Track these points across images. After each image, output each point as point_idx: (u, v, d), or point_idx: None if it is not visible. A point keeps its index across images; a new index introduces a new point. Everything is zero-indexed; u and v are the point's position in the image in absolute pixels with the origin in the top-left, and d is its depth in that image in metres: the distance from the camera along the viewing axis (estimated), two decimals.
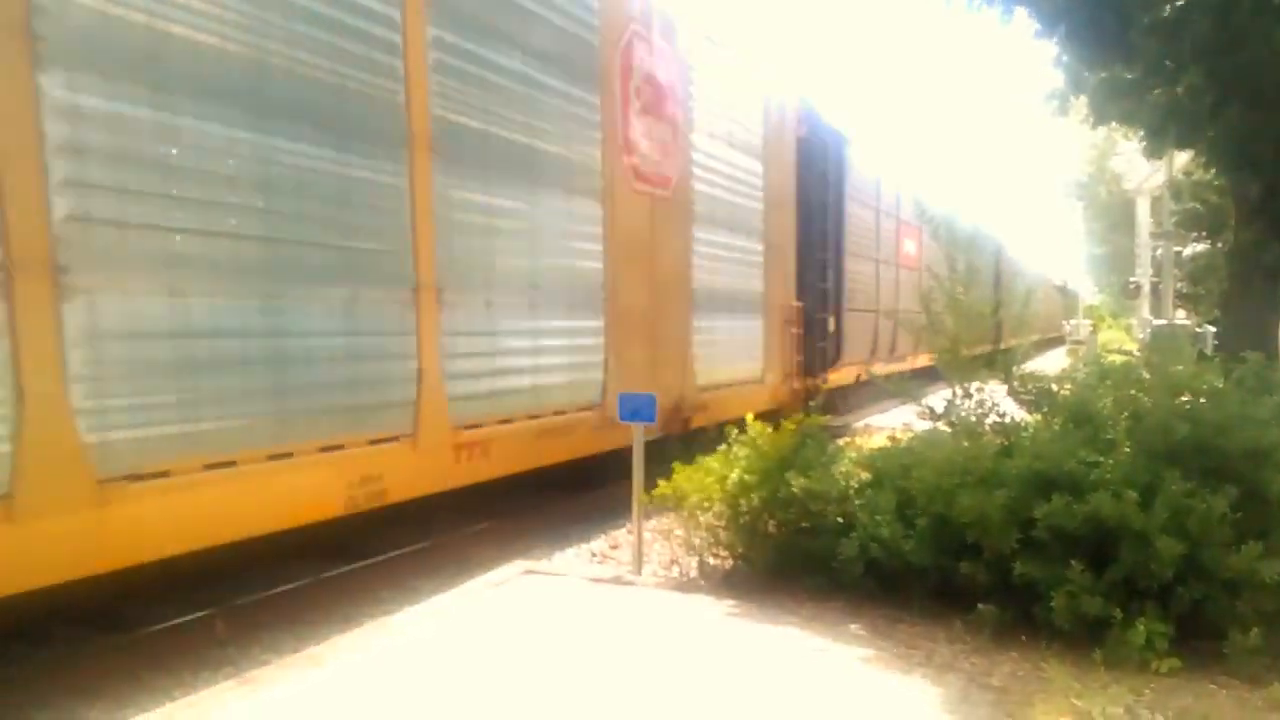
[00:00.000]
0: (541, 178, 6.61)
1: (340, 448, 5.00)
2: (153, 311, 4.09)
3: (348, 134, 5.04)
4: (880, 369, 14.10)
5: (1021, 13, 8.76)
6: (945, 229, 6.32)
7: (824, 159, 12.23)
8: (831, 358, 12.53)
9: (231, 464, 4.41)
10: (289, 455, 4.71)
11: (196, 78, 4.26)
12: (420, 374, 5.49)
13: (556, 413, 6.79)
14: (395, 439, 5.36)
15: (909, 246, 17.70)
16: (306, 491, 4.84)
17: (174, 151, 4.17)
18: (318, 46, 4.85)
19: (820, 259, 12.21)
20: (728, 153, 9.47)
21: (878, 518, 4.63)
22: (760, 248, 10.40)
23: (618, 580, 5.31)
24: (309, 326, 4.84)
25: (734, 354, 9.70)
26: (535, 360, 6.59)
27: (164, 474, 4.14)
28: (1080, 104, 10.69)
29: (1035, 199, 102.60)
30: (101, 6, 3.89)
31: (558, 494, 7.85)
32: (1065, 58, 9.35)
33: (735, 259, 9.76)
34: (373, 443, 5.20)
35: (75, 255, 3.77)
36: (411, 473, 5.46)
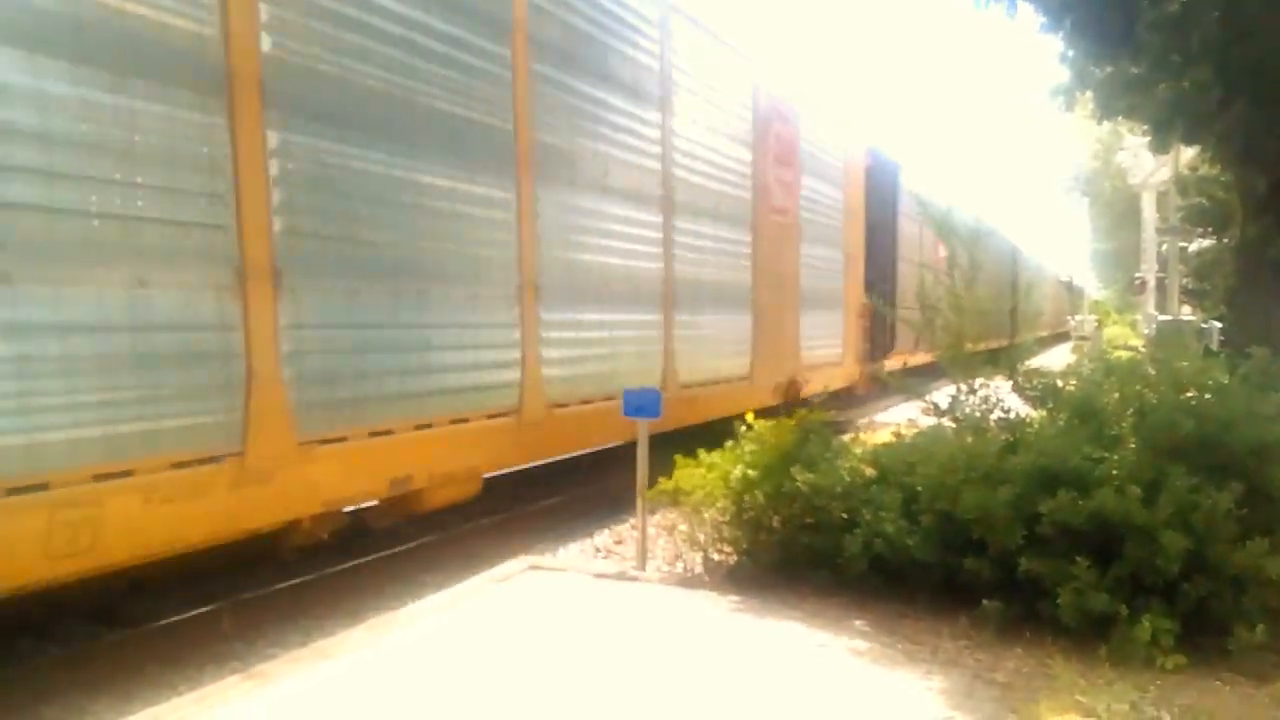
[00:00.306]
0: (724, 215, 9.50)
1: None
2: (567, 314, 6.99)
3: (642, 204, 8.05)
4: (922, 357, 15.64)
5: (1027, 7, 8.73)
6: (944, 226, 6.34)
7: (883, 184, 15.05)
8: (888, 346, 14.98)
9: (611, 399, 7.17)
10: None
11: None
12: (668, 354, 8.47)
13: (725, 380, 9.57)
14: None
15: (944, 251, 18.50)
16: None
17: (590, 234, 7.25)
18: (633, 156, 7.81)
19: (881, 265, 14.81)
20: (821, 186, 12.34)
21: (882, 514, 4.63)
22: (841, 257, 13.20)
23: (622, 575, 5.32)
24: (639, 320, 7.98)
25: (825, 341, 12.51)
26: (718, 347, 9.46)
27: (563, 405, 7.01)
28: (1086, 99, 10.67)
29: (1040, 194, 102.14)
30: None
31: (561, 489, 7.88)
32: (1071, 52, 9.32)
33: (826, 267, 12.55)
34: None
35: (544, 282, 6.69)
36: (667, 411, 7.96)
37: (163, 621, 4.70)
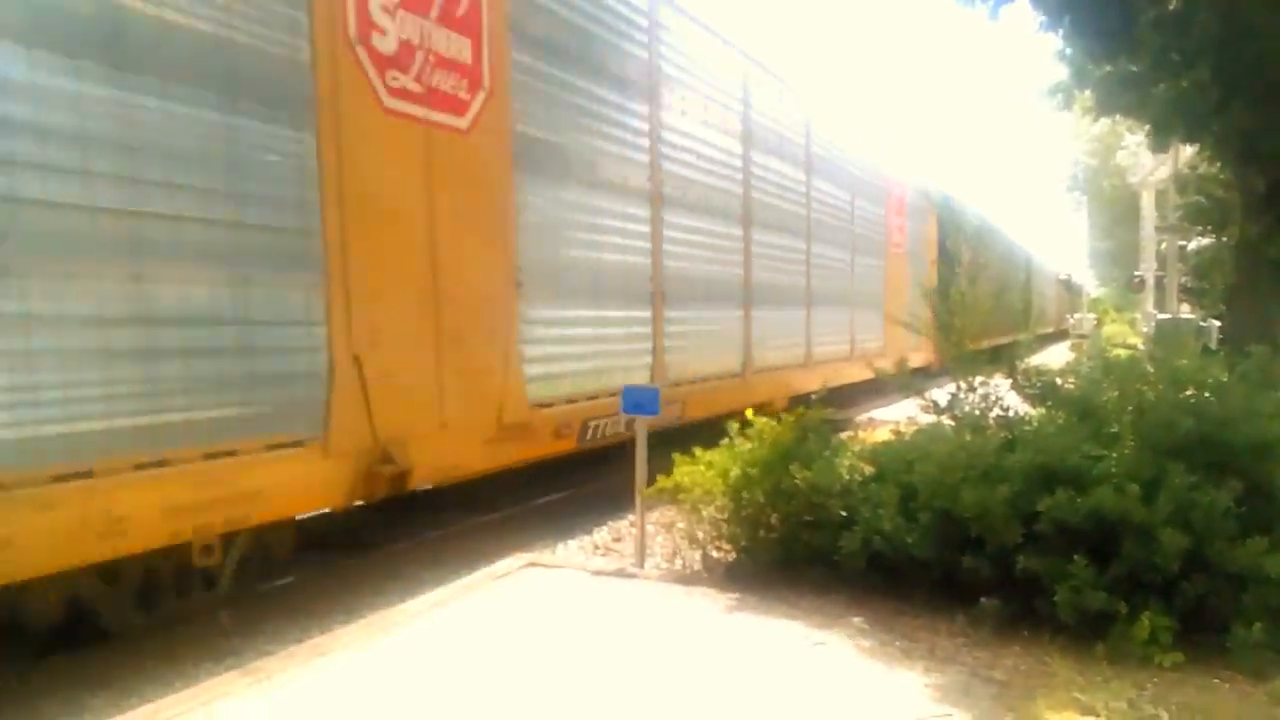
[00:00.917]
0: (872, 251, 15.05)
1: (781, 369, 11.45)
2: (690, 315, 9.14)
3: (840, 247, 13.63)
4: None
5: (1024, 6, 8.73)
6: (953, 228, 6.37)
7: (946, 214, 19.62)
8: None
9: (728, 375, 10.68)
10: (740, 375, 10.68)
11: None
12: (808, 341, 12.24)
13: (873, 354, 13.62)
14: (797, 366, 11.89)
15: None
16: (766, 391, 10.57)
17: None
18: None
19: (945, 277, 18.53)
20: (915, 224, 17.76)
21: (880, 511, 4.62)
22: (923, 274, 18.17)
23: (620, 573, 5.32)
24: (780, 319, 11.29)
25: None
26: (869, 334, 14.69)
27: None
28: (1084, 97, 10.67)
29: (1038, 191, 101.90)
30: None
31: (558, 486, 7.88)
32: (1070, 51, 9.32)
33: (916, 281, 17.45)
34: (795, 365, 11.65)
35: (669, 289, 8.70)
36: (852, 367, 12.77)
37: (161, 618, 4.70)
